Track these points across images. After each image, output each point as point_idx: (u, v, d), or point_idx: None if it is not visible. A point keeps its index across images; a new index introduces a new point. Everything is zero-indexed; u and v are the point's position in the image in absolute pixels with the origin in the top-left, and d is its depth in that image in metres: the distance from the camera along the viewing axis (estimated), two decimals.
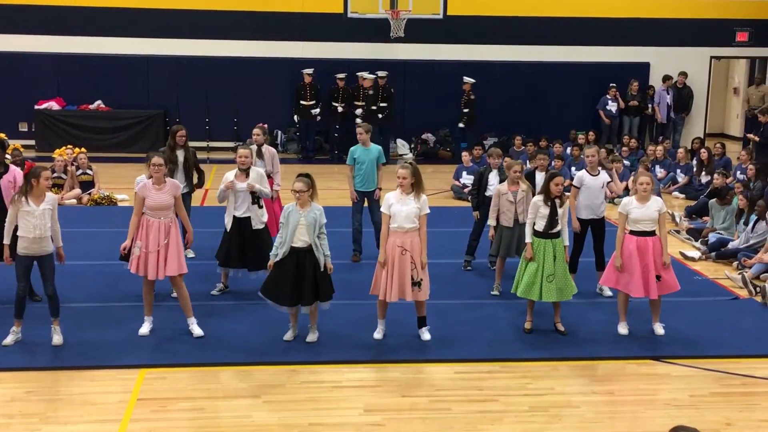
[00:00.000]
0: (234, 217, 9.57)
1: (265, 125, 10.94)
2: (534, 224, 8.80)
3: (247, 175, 9.62)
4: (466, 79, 19.62)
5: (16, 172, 9.28)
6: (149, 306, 8.66)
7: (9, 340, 8.23)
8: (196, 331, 8.60)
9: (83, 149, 15.66)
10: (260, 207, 9.68)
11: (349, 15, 19.40)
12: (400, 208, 8.37)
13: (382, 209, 8.56)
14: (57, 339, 8.28)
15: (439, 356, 8.37)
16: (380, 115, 19.24)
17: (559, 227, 8.73)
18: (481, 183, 11.00)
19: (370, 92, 19.37)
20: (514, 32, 20.90)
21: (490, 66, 20.86)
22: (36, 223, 8.05)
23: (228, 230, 9.61)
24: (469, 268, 11.16)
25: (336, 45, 20.47)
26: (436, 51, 20.81)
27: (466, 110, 19.59)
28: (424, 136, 20.94)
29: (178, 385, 7.63)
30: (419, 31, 19.74)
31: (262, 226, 9.69)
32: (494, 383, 7.83)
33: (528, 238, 8.80)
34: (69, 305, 8.54)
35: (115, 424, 6.89)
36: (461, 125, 19.67)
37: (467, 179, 15.52)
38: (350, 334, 8.78)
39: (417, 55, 20.72)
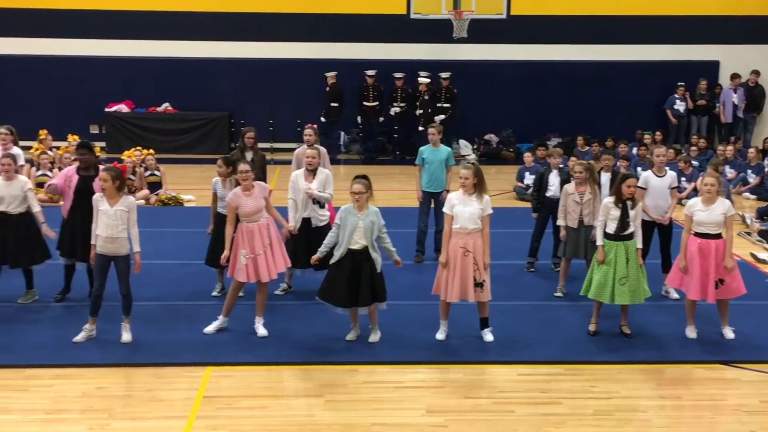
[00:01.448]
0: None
1: (315, 125, 11.00)
2: (605, 226, 8.68)
3: (314, 176, 9.69)
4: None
5: None
6: (229, 308, 8.78)
7: (81, 337, 8.44)
8: (261, 331, 8.70)
9: (151, 151, 15.96)
10: (321, 207, 9.74)
11: (412, 16, 19.40)
12: (463, 209, 8.34)
13: (444, 209, 8.55)
14: (126, 336, 8.46)
15: (502, 358, 8.32)
16: (442, 116, 19.23)
17: (631, 229, 8.60)
18: (541, 184, 10.91)
19: (426, 97, 19.36)
20: (578, 31, 20.66)
21: (554, 66, 20.67)
22: (109, 222, 8.23)
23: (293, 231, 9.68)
24: (532, 269, 11.06)
25: (398, 46, 20.50)
26: (499, 51, 20.69)
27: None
28: (486, 137, 20.84)
29: (243, 383, 7.72)
30: (482, 31, 19.64)
31: (323, 224, 9.74)
32: (558, 386, 7.75)
33: (599, 241, 8.68)
34: (137, 303, 8.70)
35: (182, 420, 7.01)
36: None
37: (530, 180, 15.39)
38: (412, 335, 8.78)
39: (480, 56, 20.62)
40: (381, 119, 20.16)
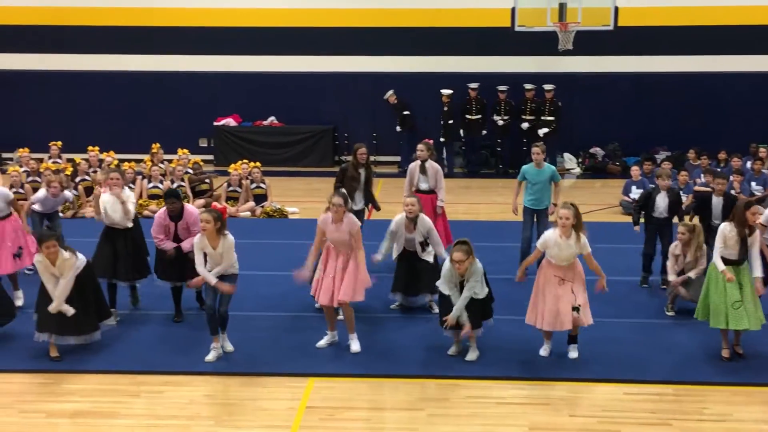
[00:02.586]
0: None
1: (431, 141, 11.00)
2: (721, 251, 8.40)
3: (415, 225, 9.62)
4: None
5: (193, 215, 9.41)
6: (331, 321, 8.87)
7: (211, 356, 8.50)
8: (354, 347, 8.74)
9: (257, 164, 16.28)
10: (424, 248, 9.72)
11: (517, 29, 19.24)
12: (558, 253, 8.25)
13: (537, 244, 8.45)
14: (228, 346, 8.66)
15: (607, 376, 8.12)
16: (546, 129, 19.00)
17: (747, 256, 8.33)
18: (647, 202, 10.65)
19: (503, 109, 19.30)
20: (687, 41, 20.08)
21: (663, 77, 20.15)
22: (213, 262, 8.40)
23: (397, 259, 9.79)
24: (645, 284, 10.79)
25: (501, 59, 20.37)
26: (605, 63, 20.31)
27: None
28: (591, 150, 20.46)
29: (345, 394, 7.77)
30: (588, 42, 19.32)
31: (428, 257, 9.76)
32: (666, 406, 7.52)
33: (720, 266, 8.37)
34: (242, 313, 8.88)
35: (285, 430, 7.10)
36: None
37: (637, 194, 15.02)
38: (514, 350, 8.68)
39: (585, 68, 20.29)
40: (484, 132, 20.07)
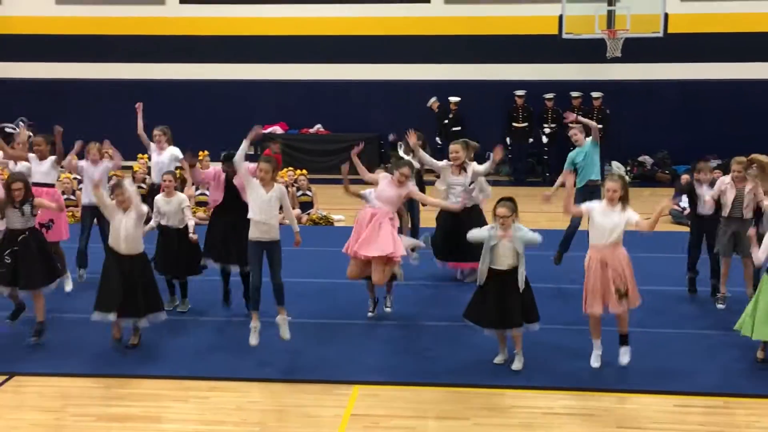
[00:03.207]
0: None
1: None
2: None
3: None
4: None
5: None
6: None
7: (254, 339, 8.67)
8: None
9: (304, 171, 16.38)
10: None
11: (564, 36, 19.12)
12: (603, 221, 8.11)
13: (583, 206, 8.44)
14: (284, 332, 8.71)
15: (656, 387, 8.00)
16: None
17: None
18: (692, 196, 10.58)
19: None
20: (737, 49, 19.78)
21: (713, 85, 19.89)
22: (263, 207, 8.55)
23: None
24: (693, 289, 10.62)
25: (548, 66, 20.28)
26: (654, 70, 20.10)
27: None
28: (640, 159, 20.24)
29: (389, 403, 7.76)
30: (637, 50, 19.13)
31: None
32: (717, 419, 7.38)
33: None
34: (289, 321, 8.89)
35: None
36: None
37: (686, 202, 14.79)
38: (561, 360, 8.59)
39: (634, 75, 20.10)
40: (530, 140, 19.98)
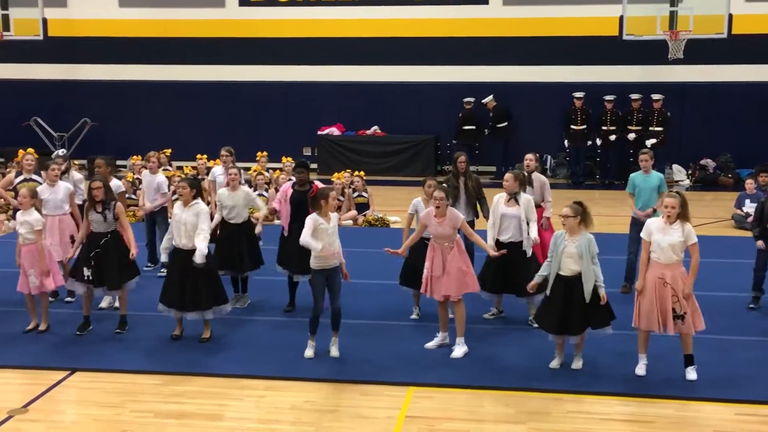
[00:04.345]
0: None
1: (537, 154, 10.80)
2: None
3: (515, 200, 9.57)
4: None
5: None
6: (443, 322, 8.96)
7: (311, 352, 8.75)
8: (456, 352, 8.74)
9: (361, 173, 16.42)
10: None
11: (625, 37, 18.86)
12: (663, 238, 7.99)
13: (642, 234, 8.23)
14: (334, 351, 8.73)
15: (717, 395, 7.83)
16: (653, 140, 18.56)
17: None
18: (762, 213, 10.25)
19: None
20: None
21: None
22: (329, 240, 8.50)
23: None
24: (752, 305, 10.32)
25: (608, 68, 20.02)
26: (718, 72, 19.69)
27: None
28: (702, 162, 19.86)
29: (444, 405, 7.73)
30: (700, 51, 18.78)
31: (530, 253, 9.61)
32: None
33: None
34: (344, 321, 8.93)
35: None
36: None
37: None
38: (617, 365, 8.47)
39: (696, 77, 19.72)
40: (589, 143, 19.76)
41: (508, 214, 9.48)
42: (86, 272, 9.23)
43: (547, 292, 8.34)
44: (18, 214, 9.54)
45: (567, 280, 8.16)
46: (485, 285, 9.52)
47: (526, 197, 9.64)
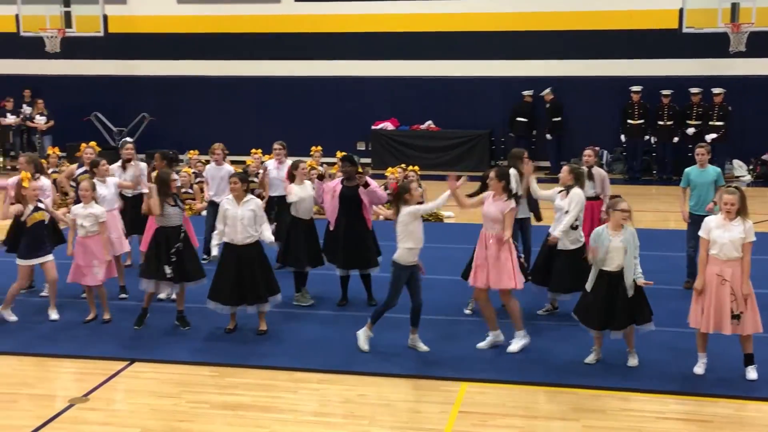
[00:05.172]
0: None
1: (597, 148, 10.65)
2: None
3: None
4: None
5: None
6: (491, 320, 8.85)
7: (365, 346, 8.79)
8: (513, 346, 8.73)
9: (415, 167, 16.40)
10: (574, 228, 9.45)
11: (685, 30, 18.53)
12: (722, 234, 7.85)
13: (700, 233, 8.08)
14: (422, 346, 8.79)
15: None
16: (714, 135, 18.22)
17: None
18: None
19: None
20: None
21: None
22: (420, 235, 8.63)
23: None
24: None
25: (665, 62, 19.68)
26: None
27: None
28: (764, 157, 19.42)
29: (497, 400, 7.71)
30: (763, 44, 18.36)
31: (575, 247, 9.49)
32: None
33: None
34: (399, 316, 8.95)
35: None
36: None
37: None
38: (672, 363, 8.37)
39: (759, 70, 19.28)
40: (646, 137, 19.47)
41: (559, 207, 9.47)
42: (168, 271, 9.20)
43: (587, 287, 8.28)
44: (79, 206, 9.73)
45: (611, 275, 8.10)
46: (535, 278, 9.66)
47: (577, 192, 9.49)
